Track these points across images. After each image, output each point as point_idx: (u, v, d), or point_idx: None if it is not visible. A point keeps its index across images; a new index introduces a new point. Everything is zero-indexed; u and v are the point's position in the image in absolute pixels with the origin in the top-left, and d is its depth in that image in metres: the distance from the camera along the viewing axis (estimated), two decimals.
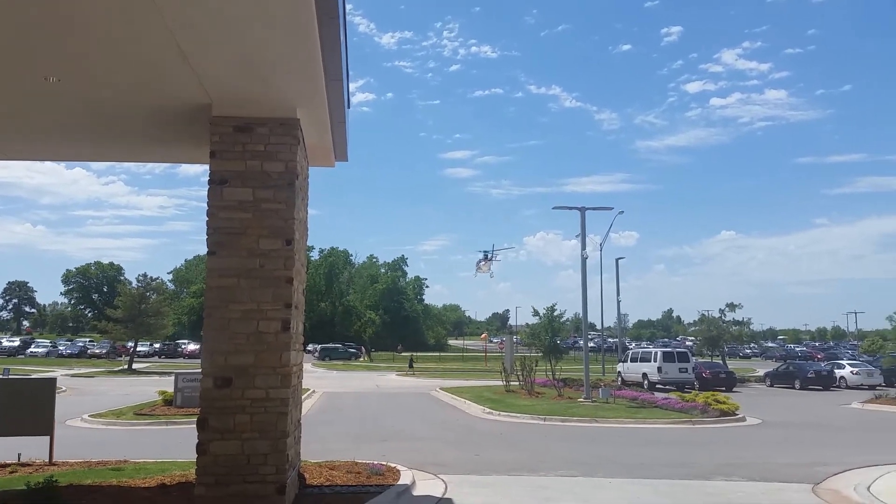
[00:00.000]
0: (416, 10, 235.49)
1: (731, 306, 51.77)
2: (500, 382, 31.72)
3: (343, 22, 6.67)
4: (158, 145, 9.74)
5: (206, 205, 7.93)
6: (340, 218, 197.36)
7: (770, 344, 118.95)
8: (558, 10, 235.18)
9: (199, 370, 8.04)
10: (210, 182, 7.92)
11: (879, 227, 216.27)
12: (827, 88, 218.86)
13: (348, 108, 9.21)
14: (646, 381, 37.43)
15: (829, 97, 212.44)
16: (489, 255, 59.25)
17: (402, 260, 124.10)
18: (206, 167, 8.15)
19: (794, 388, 39.69)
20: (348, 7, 6.54)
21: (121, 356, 65.70)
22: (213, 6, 5.58)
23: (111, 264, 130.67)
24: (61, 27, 6.02)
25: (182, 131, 8.76)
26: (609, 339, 76.42)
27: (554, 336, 37.16)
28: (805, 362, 50.76)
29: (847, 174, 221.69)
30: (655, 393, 30.28)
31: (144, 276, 55.56)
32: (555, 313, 37.16)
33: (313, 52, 6.44)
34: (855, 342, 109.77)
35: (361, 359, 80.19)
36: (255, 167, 8.01)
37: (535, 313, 38.07)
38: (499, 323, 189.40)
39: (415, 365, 60.91)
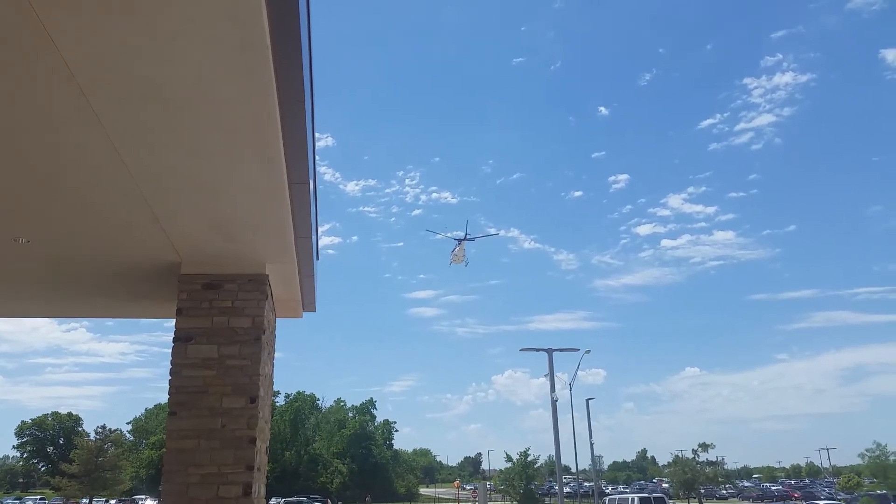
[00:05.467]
0: (379, 160, 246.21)
1: (704, 446, 51.20)
2: None
3: (314, 184, 6.91)
4: (125, 302, 9.70)
5: (167, 350, 7.84)
6: (306, 360, 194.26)
7: (745, 483, 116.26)
8: (512, 160, 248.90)
9: None
10: (175, 339, 7.84)
11: (838, 362, 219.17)
12: (773, 229, 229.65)
13: (317, 259, 9.33)
14: None
15: (775, 237, 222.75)
16: (465, 237, 50.29)
17: (371, 403, 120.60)
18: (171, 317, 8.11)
19: None
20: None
21: None
22: (187, 174, 5.78)
23: (69, 415, 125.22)
24: (36, 191, 6.15)
25: (150, 289, 8.78)
26: (585, 483, 74.15)
27: (528, 483, 36.14)
28: (783, 503, 49.65)
29: (801, 310, 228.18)
30: None
31: (103, 427, 53.70)
32: (528, 458, 36.30)
33: (284, 214, 6.64)
34: (831, 479, 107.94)
35: None
36: (222, 323, 7.96)
37: (508, 459, 37.17)
38: (471, 468, 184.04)
39: None
